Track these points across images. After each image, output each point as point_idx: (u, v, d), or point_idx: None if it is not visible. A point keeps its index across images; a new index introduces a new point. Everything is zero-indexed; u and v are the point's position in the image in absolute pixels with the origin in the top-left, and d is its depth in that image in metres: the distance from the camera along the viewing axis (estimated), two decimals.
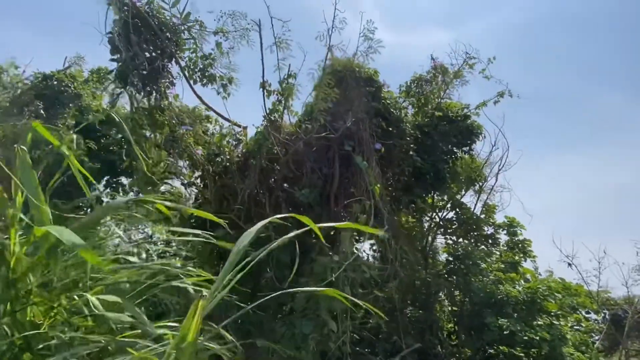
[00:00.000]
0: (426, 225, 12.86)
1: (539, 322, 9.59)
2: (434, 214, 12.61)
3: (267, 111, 6.95)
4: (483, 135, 9.58)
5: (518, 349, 8.72)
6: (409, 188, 8.96)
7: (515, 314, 9.92)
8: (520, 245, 11.91)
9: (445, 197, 12.64)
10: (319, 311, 5.38)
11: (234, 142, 6.86)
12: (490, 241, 12.42)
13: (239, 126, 7.15)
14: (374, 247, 10.53)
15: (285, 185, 7.21)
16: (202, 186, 6.84)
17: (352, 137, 7.29)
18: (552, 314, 9.67)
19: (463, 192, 12.82)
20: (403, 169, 8.26)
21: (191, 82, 6.48)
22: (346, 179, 7.56)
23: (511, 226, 11.87)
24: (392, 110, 8.19)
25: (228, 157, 6.79)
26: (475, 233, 12.29)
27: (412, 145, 8.49)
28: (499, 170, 11.01)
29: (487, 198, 11.54)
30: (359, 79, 7.58)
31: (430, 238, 12.65)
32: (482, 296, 10.24)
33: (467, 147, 9.64)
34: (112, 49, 6.04)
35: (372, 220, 5.92)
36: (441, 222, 12.62)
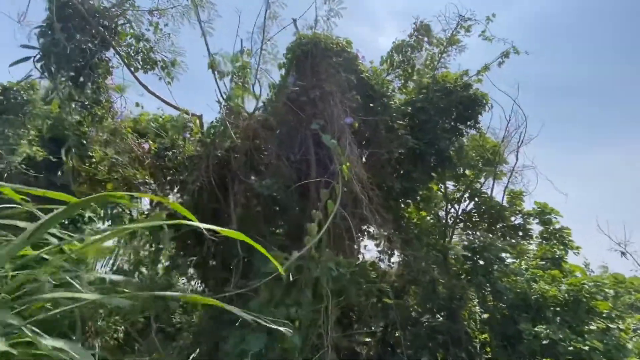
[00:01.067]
0: (445, 220, 11.32)
1: (592, 327, 7.73)
2: (450, 206, 11.06)
3: (222, 95, 6.10)
4: (490, 105, 8.12)
5: None
6: (405, 173, 7.66)
7: (558, 319, 8.08)
8: (557, 235, 9.99)
9: (461, 185, 11.10)
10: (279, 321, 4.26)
11: (187, 134, 6.06)
12: (520, 233, 10.61)
13: (194, 115, 6.36)
14: (379, 244, 9.22)
15: (253, 177, 6.26)
16: (153, 184, 6.07)
17: (321, 114, 6.25)
18: (605, 315, 7.73)
19: (483, 180, 11.22)
20: (392, 151, 7.02)
21: (132, 69, 5.84)
22: (325, 165, 6.47)
23: (543, 213, 10.01)
24: (372, 83, 7.06)
25: (181, 150, 5.98)
26: (501, 225, 10.55)
27: (401, 123, 7.26)
28: (519, 145, 9.37)
29: (509, 181, 9.84)
30: (326, 50, 6.57)
31: (449, 234, 11.08)
32: (513, 298, 8.51)
33: (473, 121, 8.20)
34: (41, 43, 5.52)
35: (336, 207, 4.76)
36: (460, 216, 11.03)
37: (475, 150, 10.23)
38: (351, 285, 6.18)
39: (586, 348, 6.81)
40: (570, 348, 6.93)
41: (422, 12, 7.96)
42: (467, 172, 10.91)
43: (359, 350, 7.30)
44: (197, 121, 6.30)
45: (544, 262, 10.35)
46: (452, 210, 11.31)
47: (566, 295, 7.91)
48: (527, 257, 11.13)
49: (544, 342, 7.27)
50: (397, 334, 10.29)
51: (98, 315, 4.80)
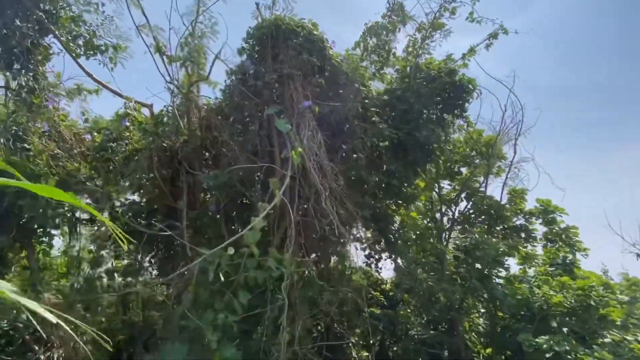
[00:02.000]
0: (441, 222, 10.45)
1: (606, 340, 6.74)
2: (445, 207, 10.21)
3: (172, 81, 5.61)
4: (478, 91, 7.39)
5: None
6: (384, 167, 6.96)
7: (566, 329, 7.10)
8: (563, 235, 9.01)
9: (456, 184, 10.26)
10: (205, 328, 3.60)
11: (126, 122, 5.55)
12: (523, 235, 9.66)
13: (142, 104, 5.87)
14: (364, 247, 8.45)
15: (204, 170, 5.69)
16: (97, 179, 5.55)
17: (280, 100, 5.68)
18: (619, 324, 6.73)
19: (480, 178, 10.36)
20: (366, 141, 6.35)
21: (74, 55, 5.42)
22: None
23: (546, 212, 9.06)
24: (344, 69, 6.47)
25: (127, 142, 5.48)
26: (501, 227, 9.63)
27: (375, 110, 6.61)
28: (516, 137, 8.54)
29: (507, 177, 8.98)
30: (288, 32, 6.04)
31: (446, 237, 10.21)
32: (514, 306, 7.57)
33: (459, 110, 7.47)
34: None
35: (278, 197, 4.11)
36: (456, 218, 10.16)
37: (469, 144, 9.46)
38: (313, 290, 5.47)
39: None
40: None
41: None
42: (463, 169, 10.14)
43: None
44: (146, 111, 5.81)
45: (553, 268, 9.38)
46: (449, 211, 10.49)
47: (573, 301, 6.95)
48: (535, 262, 10.16)
49: (547, 355, 6.32)
50: (383, 347, 9.43)
51: None
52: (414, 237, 10.45)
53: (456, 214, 10.13)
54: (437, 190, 10.27)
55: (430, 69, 7.58)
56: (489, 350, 9.47)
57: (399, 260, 10.83)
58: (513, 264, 9.98)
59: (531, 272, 9.63)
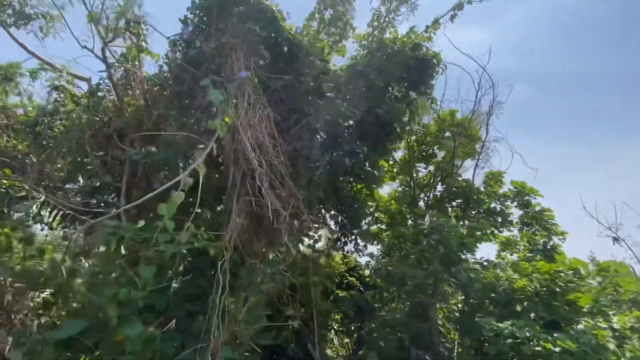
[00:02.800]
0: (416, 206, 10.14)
1: (579, 326, 6.47)
2: (419, 191, 9.89)
3: (109, 54, 5.32)
4: (442, 66, 7.01)
5: None
6: (342, 146, 6.66)
7: (533, 315, 6.83)
8: (539, 219, 8.66)
9: (431, 166, 9.91)
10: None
11: (54, 93, 5.29)
12: (499, 219, 9.32)
13: (79, 77, 5.60)
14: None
15: (145, 146, 5.43)
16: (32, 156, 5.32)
17: (220, 71, 5.37)
18: (587, 310, 6.43)
19: (457, 161, 9.98)
20: (319, 118, 6.03)
21: (4, 25, 5.15)
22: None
23: (521, 194, 8.70)
24: (298, 42, 6.14)
25: (61, 117, 5.23)
26: (477, 211, 9.29)
27: (329, 85, 6.27)
28: (489, 115, 8.14)
29: (479, 158, 8.62)
30: (234, 0, 5.70)
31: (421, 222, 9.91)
32: (479, 290, 7.29)
33: (424, 87, 7.10)
34: None
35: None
36: (429, 201, 9.84)
37: (443, 124, 9.09)
38: (258, 274, 5.25)
39: (557, 350, 5.57)
40: (539, 349, 5.70)
41: None
42: (440, 153, 9.77)
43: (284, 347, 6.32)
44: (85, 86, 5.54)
45: (532, 254, 9.07)
46: (425, 196, 10.17)
47: (538, 286, 6.66)
48: (517, 248, 9.85)
49: (508, 341, 6.06)
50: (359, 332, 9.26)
51: None
52: (389, 221, 10.19)
53: (430, 198, 9.83)
54: (412, 174, 9.95)
55: (395, 43, 7.20)
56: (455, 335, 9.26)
57: (373, 246, 10.65)
58: (493, 250, 9.72)
59: (514, 258, 9.35)
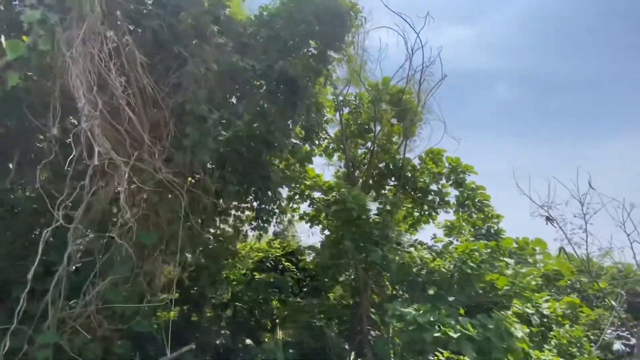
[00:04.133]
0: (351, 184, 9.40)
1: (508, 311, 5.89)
2: (353, 167, 9.14)
3: None
4: (360, 17, 6.21)
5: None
6: (237, 103, 5.83)
7: (452, 298, 6.20)
8: (475, 199, 8.03)
9: (365, 142, 9.18)
10: None
11: None
12: (438, 200, 8.67)
13: None
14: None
15: None
16: None
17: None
18: (502, 293, 5.83)
19: (399, 139, 9.26)
20: (208, 69, 5.17)
21: None
22: None
23: (455, 171, 8.04)
24: None
25: None
26: (411, 189, 8.59)
27: (218, 29, 5.40)
28: (420, 82, 7.38)
29: (407, 129, 7.89)
30: None
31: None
32: (396, 273, 6.64)
33: (339, 43, 6.30)
34: None
35: None
36: (367, 180, 9.12)
37: (375, 93, 8.32)
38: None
39: (455, 336, 4.95)
40: (438, 334, 5.08)
41: None
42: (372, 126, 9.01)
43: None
44: None
45: (474, 239, 8.48)
46: (359, 174, 9.44)
47: (452, 267, 6.02)
48: (462, 233, 9.26)
49: (412, 327, 5.41)
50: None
51: None
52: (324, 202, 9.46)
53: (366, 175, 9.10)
54: (347, 150, 9.15)
55: None
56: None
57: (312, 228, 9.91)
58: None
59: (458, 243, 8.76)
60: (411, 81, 7.74)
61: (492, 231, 8.89)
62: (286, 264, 10.22)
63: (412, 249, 6.24)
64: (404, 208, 9.03)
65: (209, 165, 6.02)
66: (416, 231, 9.04)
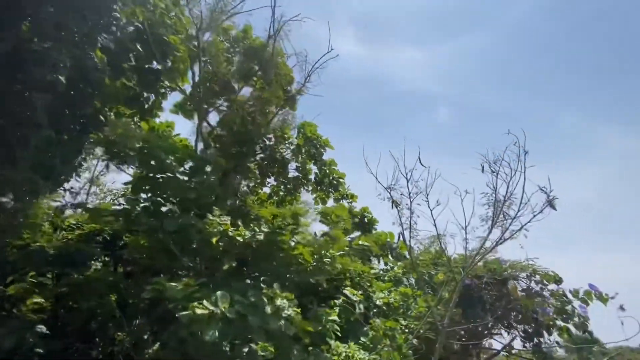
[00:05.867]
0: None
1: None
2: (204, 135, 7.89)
3: None
4: None
5: None
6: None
7: (258, 274, 5.12)
8: (329, 175, 7.06)
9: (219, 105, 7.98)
10: None
11: None
12: (300, 177, 7.63)
13: None
14: None
15: None
16: None
17: None
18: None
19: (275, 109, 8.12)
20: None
21: None
22: None
23: (308, 142, 7.02)
24: None
25: None
26: (272, 163, 7.49)
27: None
28: (275, 34, 6.27)
29: (281, 99, 6.76)
30: None
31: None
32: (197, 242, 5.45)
33: None
34: None
35: None
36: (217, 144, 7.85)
37: (232, 44, 7.21)
38: None
39: (199, 312, 3.85)
40: (187, 312, 3.96)
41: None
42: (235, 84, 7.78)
43: None
44: None
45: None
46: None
47: (254, 240, 4.92)
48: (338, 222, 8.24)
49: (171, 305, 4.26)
50: None
51: None
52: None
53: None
54: (200, 109, 7.76)
55: None
56: None
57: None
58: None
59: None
60: (279, 39, 6.65)
61: (365, 220, 8.07)
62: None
63: (215, 219, 5.02)
64: (269, 185, 7.95)
65: None
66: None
